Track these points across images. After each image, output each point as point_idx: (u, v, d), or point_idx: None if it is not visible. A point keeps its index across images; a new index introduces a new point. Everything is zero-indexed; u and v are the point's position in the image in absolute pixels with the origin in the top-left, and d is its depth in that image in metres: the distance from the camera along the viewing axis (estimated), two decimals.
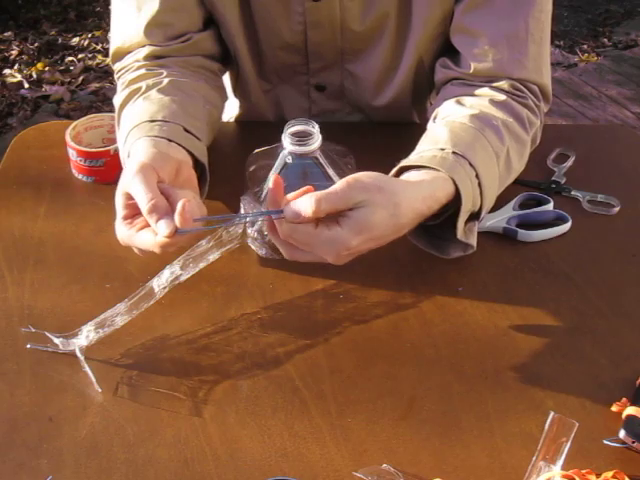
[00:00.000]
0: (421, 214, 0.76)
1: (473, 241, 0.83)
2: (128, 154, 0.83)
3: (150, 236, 0.74)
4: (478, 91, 0.92)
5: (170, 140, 0.83)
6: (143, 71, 0.94)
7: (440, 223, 0.82)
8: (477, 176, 0.81)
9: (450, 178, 0.78)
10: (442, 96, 0.96)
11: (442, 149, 0.82)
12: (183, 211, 0.71)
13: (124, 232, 0.76)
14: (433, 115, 0.93)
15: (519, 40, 0.92)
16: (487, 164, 0.84)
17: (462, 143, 0.82)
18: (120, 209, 0.76)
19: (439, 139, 0.84)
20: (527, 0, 0.91)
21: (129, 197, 0.75)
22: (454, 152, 0.81)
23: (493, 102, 0.90)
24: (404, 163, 0.81)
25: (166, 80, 0.92)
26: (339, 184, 0.72)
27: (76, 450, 0.69)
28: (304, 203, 0.70)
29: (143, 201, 0.73)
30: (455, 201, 0.79)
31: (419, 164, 0.80)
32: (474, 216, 0.84)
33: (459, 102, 0.91)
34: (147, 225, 0.74)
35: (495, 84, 0.92)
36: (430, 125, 0.92)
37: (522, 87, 0.93)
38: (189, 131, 0.86)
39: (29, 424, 0.71)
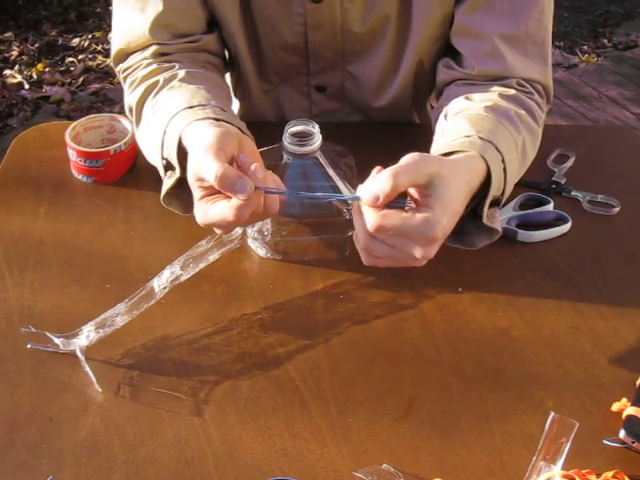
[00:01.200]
0: (469, 184, 0.76)
1: (498, 226, 0.82)
2: (179, 144, 0.81)
3: (224, 203, 0.72)
4: (486, 88, 0.92)
5: (217, 119, 0.82)
6: (155, 66, 0.94)
7: (462, 217, 0.81)
8: (502, 161, 0.81)
9: (482, 157, 0.78)
10: (447, 96, 0.95)
11: (467, 136, 0.81)
12: (256, 170, 0.71)
13: (200, 210, 0.75)
14: (443, 113, 0.92)
15: (520, 41, 0.92)
16: (509, 150, 0.83)
17: (485, 130, 0.82)
18: (196, 192, 0.75)
19: (461, 129, 0.83)
20: (528, 2, 0.91)
21: (201, 180, 0.74)
22: (480, 137, 0.80)
23: (503, 96, 0.90)
24: (433, 153, 0.80)
25: (182, 72, 0.92)
26: (405, 159, 0.71)
27: (76, 450, 0.69)
28: (379, 181, 0.68)
29: (212, 175, 0.71)
30: (482, 186, 0.79)
31: (449, 150, 0.79)
32: (494, 203, 0.83)
33: (468, 98, 0.91)
34: (221, 199, 0.73)
35: (502, 82, 0.92)
36: (441, 122, 0.91)
37: (527, 85, 0.93)
38: (225, 111, 0.86)
39: (29, 424, 0.71)
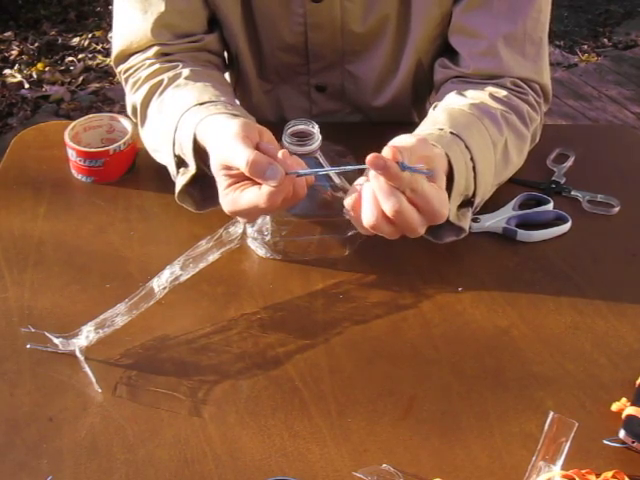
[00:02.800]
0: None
1: (465, 225, 0.82)
2: (193, 139, 0.81)
3: (255, 190, 0.72)
4: (479, 86, 0.93)
5: (232, 114, 0.82)
6: (158, 66, 0.94)
7: None
8: (472, 159, 0.81)
9: (445, 154, 0.78)
10: (443, 92, 0.96)
11: (440, 129, 0.82)
12: (284, 156, 0.71)
13: (228, 198, 0.75)
14: (433, 105, 0.93)
15: (517, 41, 0.92)
16: (483, 150, 0.84)
17: (459, 125, 0.83)
18: (222, 180, 0.75)
19: (437, 120, 0.85)
20: (525, 1, 0.91)
21: (227, 168, 0.74)
22: (451, 132, 0.81)
23: (493, 97, 0.91)
24: None
25: (186, 70, 0.92)
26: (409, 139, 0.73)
27: (76, 450, 0.69)
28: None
29: (242, 162, 0.71)
30: (449, 182, 0.79)
31: None
32: (467, 203, 0.84)
33: (460, 93, 0.92)
34: (250, 186, 0.73)
35: (496, 81, 0.93)
36: (429, 112, 0.92)
37: (523, 84, 0.94)
38: (234, 106, 0.86)
39: (29, 424, 0.71)
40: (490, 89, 0.92)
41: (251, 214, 0.76)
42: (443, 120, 0.84)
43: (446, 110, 0.87)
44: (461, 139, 0.81)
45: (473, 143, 0.82)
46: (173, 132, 0.84)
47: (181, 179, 0.85)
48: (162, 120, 0.88)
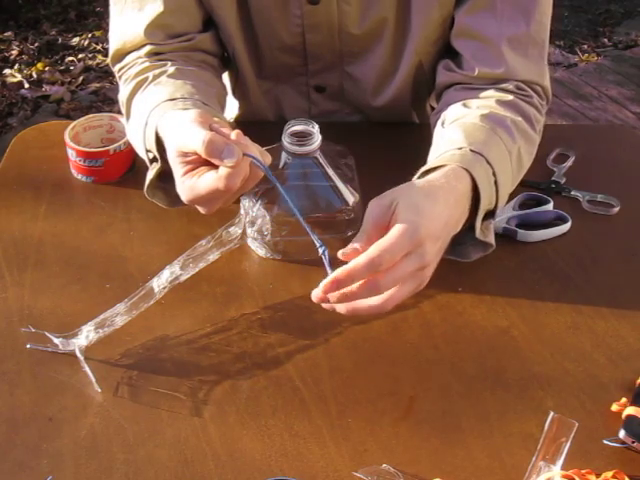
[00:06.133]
0: (454, 190, 0.76)
1: (491, 239, 0.82)
2: (156, 135, 0.81)
3: (212, 174, 0.71)
4: (484, 93, 0.92)
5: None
6: (147, 64, 0.94)
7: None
8: (494, 174, 0.81)
9: (469, 175, 0.78)
10: (446, 101, 0.95)
11: (459, 148, 0.81)
12: (238, 137, 0.71)
13: (185, 185, 0.74)
14: (441, 120, 0.92)
15: (521, 44, 0.92)
16: (502, 162, 0.83)
17: (477, 142, 0.82)
18: (178, 168, 0.74)
19: (454, 140, 0.83)
20: (529, 3, 0.91)
21: (183, 155, 0.74)
22: (471, 150, 0.81)
23: (500, 102, 0.90)
24: (424, 168, 0.81)
25: (172, 68, 0.92)
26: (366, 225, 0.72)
27: (76, 450, 0.69)
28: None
29: (198, 143, 0.70)
30: (473, 200, 0.79)
31: (439, 164, 0.79)
32: (489, 214, 0.84)
33: (466, 105, 0.91)
34: (207, 171, 0.72)
35: (500, 86, 0.92)
36: (439, 130, 0.91)
37: (526, 87, 0.93)
38: (208, 105, 0.86)
39: (29, 424, 0.71)
40: (496, 95, 0.91)
41: (210, 200, 0.76)
42: (460, 138, 0.83)
43: (460, 126, 0.86)
44: (482, 155, 0.81)
45: (493, 157, 0.81)
46: (144, 127, 0.84)
47: (150, 173, 0.85)
48: (137, 115, 0.88)
